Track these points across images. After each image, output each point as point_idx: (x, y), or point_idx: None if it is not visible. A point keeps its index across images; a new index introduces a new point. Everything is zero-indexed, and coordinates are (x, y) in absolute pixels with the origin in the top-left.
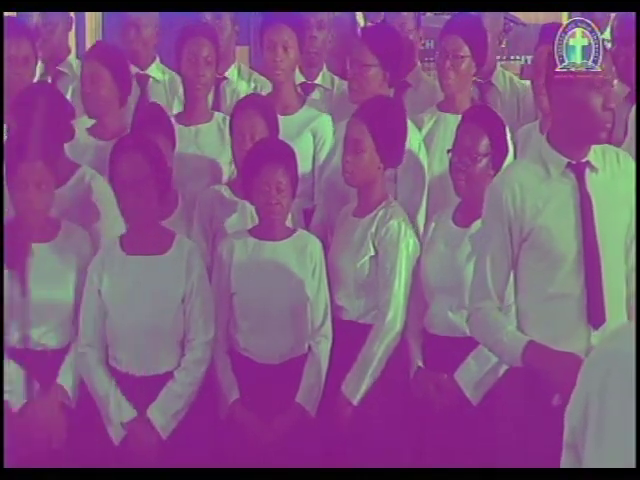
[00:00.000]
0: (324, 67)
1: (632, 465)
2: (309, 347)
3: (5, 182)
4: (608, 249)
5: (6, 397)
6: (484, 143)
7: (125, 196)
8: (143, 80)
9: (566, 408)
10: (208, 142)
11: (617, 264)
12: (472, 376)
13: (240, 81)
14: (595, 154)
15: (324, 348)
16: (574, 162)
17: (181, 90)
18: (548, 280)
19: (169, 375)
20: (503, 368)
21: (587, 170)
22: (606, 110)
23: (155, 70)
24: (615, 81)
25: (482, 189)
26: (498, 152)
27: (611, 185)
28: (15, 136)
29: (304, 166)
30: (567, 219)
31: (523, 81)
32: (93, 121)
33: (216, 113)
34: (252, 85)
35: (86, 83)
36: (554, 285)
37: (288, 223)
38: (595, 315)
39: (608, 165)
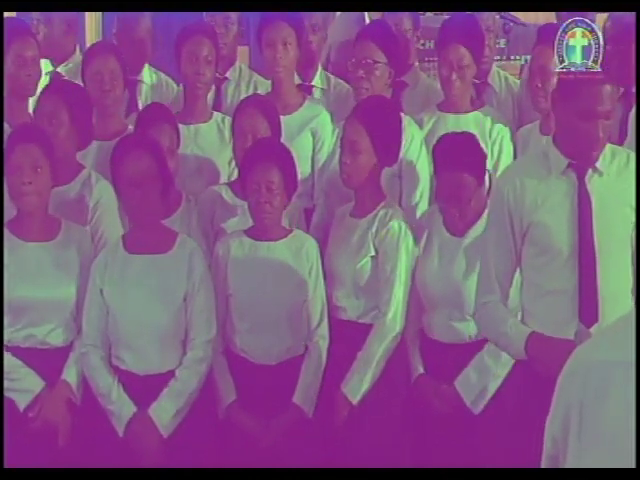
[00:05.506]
0: (319, 68)
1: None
2: (306, 347)
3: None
4: (607, 248)
5: (13, 396)
6: (470, 183)
7: (129, 194)
8: (132, 83)
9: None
10: (207, 141)
11: (616, 263)
12: (473, 385)
13: (241, 82)
14: (603, 156)
15: (321, 348)
16: (575, 162)
17: (170, 92)
18: (545, 276)
19: (171, 374)
20: (503, 377)
21: (589, 170)
22: (598, 111)
23: (145, 73)
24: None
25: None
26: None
27: (616, 186)
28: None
29: (305, 166)
30: (564, 217)
31: (518, 80)
32: None
33: (215, 113)
34: (252, 87)
35: (106, 80)
36: (550, 281)
37: (288, 223)
38: (587, 312)
39: (615, 166)
